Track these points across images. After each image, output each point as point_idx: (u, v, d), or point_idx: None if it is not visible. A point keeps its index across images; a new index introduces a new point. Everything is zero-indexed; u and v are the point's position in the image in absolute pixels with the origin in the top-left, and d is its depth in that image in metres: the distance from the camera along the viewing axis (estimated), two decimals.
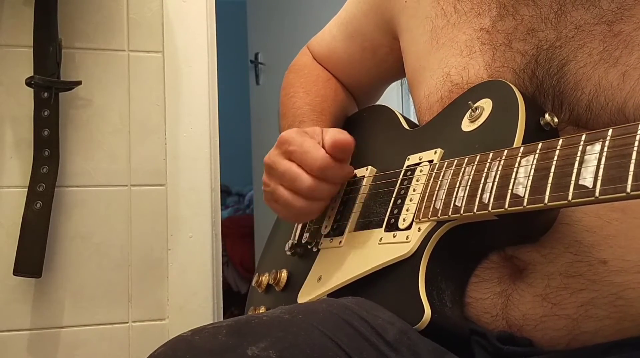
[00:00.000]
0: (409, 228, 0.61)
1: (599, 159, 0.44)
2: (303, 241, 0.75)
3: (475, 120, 0.61)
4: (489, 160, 0.55)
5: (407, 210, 0.62)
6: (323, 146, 0.67)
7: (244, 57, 2.95)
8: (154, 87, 1.27)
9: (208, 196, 1.29)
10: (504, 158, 0.53)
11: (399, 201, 0.64)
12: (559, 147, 0.48)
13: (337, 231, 0.70)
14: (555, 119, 0.57)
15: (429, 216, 0.59)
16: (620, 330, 0.54)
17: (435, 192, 0.59)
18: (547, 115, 0.57)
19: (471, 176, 0.56)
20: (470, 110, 0.62)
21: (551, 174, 0.47)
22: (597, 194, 0.43)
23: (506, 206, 0.50)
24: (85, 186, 1.22)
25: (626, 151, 0.42)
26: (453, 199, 0.56)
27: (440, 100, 0.68)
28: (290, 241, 0.78)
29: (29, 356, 1.17)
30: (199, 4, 1.30)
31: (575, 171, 0.46)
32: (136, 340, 1.23)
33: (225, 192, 3.56)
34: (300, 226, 0.78)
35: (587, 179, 0.44)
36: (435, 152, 0.64)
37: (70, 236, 1.20)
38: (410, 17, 0.75)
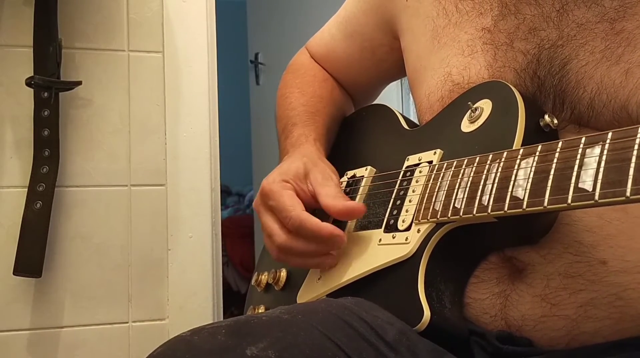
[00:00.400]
0: (408, 229, 0.61)
1: (599, 163, 0.44)
2: None
3: (474, 121, 0.61)
4: (488, 162, 0.55)
5: (407, 211, 0.62)
6: (310, 192, 0.68)
7: (244, 57, 2.95)
8: (154, 87, 1.26)
9: (208, 196, 1.29)
10: (503, 159, 0.53)
11: (398, 202, 0.64)
12: (558, 149, 0.48)
13: None
14: (555, 121, 0.57)
15: (428, 218, 0.59)
16: (620, 331, 0.54)
17: (435, 193, 0.59)
18: (546, 116, 0.57)
19: (470, 178, 0.55)
20: (470, 111, 0.62)
21: (551, 177, 0.47)
22: (596, 197, 0.43)
23: (505, 209, 0.50)
24: (85, 186, 1.22)
25: (626, 155, 0.42)
26: (452, 200, 0.56)
27: (441, 99, 0.68)
28: None
29: (28, 356, 1.17)
30: (199, 4, 1.30)
31: (575, 174, 0.45)
32: (136, 340, 1.23)
33: (225, 192, 3.56)
34: None
35: (586, 183, 0.44)
36: (435, 153, 0.64)
37: (70, 236, 1.20)
38: (411, 16, 0.75)
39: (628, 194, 0.41)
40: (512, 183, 0.51)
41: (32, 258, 1.13)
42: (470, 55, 0.66)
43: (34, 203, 1.14)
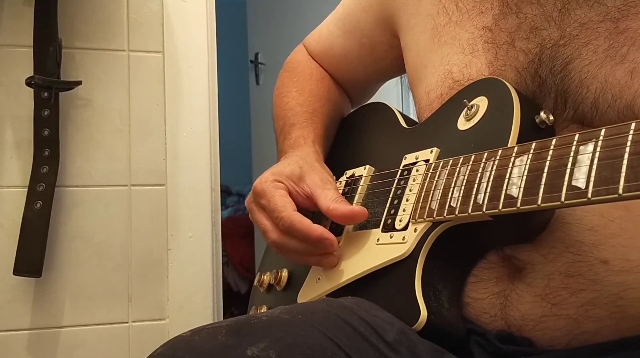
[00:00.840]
0: (405, 228, 0.61)
1: (592, 160, 0.44)
2: None
3: (471, 119, 0.61)
4: (483, 160, 0.55)
5: (404, 210, 0.62)
6: (305, 194, 0.68)
7: (244, 57, 2.95)
8: (154, 87, 1.27)
9: (208, 196, 1.29)
10: (498, 158, 0.53)
11: (396, 201, 0.64)
12: (552, 147, 0.48)
13: (336, 231, 0.70)
14: (551, 117, 0.57)
15: (425, 217, 0.58)
16: (621, 330, 0.54)
17: (431, 192, 0.59)
18: (542, 113, 0.57)
19: (466, 176, 0.55)
20: (466, 108, 0.62)
21: (544, 175, 0.47)
22: (589, 195, 0.43)
23: (500, 207, 0.50)
24: (85, 186, 1.22)
25: (618, 152, 0.42)
26: (448, 199, 0.56)
27: (441, 96, 0.67)
28: None
29: (28, 356, 1.17)
30: (199, 4, 1.30)
31: (568, 171, 0.45)
32: (136, 340, 1.23)
33: (225, 192, 3.56)
34: None
35: (579, 180, 0.44)
36: (432, 151, 0.64)
37: (70, 236, 1.20)
38: (411, 14, 0.75)
39: (620, 191, 0.41)
40: (506, 181, 0.51)
41: (32, 258, 1.13)
42: (471, 53, 0.65)
43: (34, 203, 1.14)
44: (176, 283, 1.26)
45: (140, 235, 1.24)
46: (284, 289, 0.77)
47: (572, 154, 0.46)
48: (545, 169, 0.47)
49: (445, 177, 0.58)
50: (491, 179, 0.52)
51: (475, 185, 0.54)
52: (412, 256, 0.58)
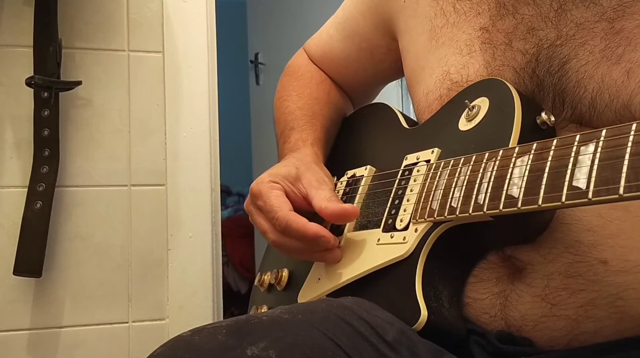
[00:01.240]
0: (406, 228, 0.61)
1: (593, 161, 0.44)
2: None
3: (472, 119, 0.61)
4: (484, 160, 0.55)
5: (405, 210, 0.62)
6: (301, 193, 0.69)
7: (244, 57, 2.95)
8: (154, 87, 1.27)
9: (208, 196, 1.29)
10: (499, 158, 0.53)
11: (397, 201, 0.64)
12: (553, 147, 0.48)
13: (337, 231, 0.70)
14: (552, 118, 0.57)
15: (426, 217, 0.59)
16: (620, 330, 0.54)
17: (432, 192, 0.59)
18: (543, 114, 0.57)
19: (467, 177, 0.56)
20: (467, 109, 0.62)
21: (545, 175, 0.47)
22: (590, 196, 0.43)
23: (501, 207, 0.50)
24: (85, 186, 1.22)
25: (619, 152, 0.42)
26: (449, 199, 0.56)
27: (440, 98, 0.68)
28: None
29: (28, 356, 1.17)
30: (199, 4, 1.30)
31: (569, 172, 0.45)
32: (136, 340, 1.23)
33: (225, 192, 3.56)
34: None
35: (580, 181, 0.44)
36: (433, 151, 0.64)
37: (70, 236, 1.21)
38: (409, 17, 0.75)
39: (621, 192, 0.41)
40: (507, 181, 0.51)
41: (32, 258, 1.13)
42: (468, 54, 0.66)
43: (34, 203, 1.14)
44: (176, 283, 1.26)
45: (140, 235, 1.24)
46: (284, 289, 0.77)
47: (573, 154, 0.46)
48: (546, 170, 0.48)
49: (446, 177, 0.58)
50: (492, 179, 0.52)
51: (476, 185, 0.54)
52: (413, 257, 0.58)
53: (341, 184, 0.76)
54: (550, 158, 0.48)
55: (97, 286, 1.21)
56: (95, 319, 1.21)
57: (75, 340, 1.20)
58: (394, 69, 0.84)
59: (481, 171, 0.54)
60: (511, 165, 0.51)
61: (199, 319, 1.26)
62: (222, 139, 1.34)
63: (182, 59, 1.28)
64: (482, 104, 0.61)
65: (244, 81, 3.09)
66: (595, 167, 0.44)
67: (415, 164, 0.65)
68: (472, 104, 0.62)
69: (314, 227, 0.64)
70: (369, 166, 0.74)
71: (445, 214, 0.56)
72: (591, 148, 0.45)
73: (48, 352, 1.18)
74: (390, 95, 1.92)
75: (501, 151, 0.54)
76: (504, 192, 0.50)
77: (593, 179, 0.43)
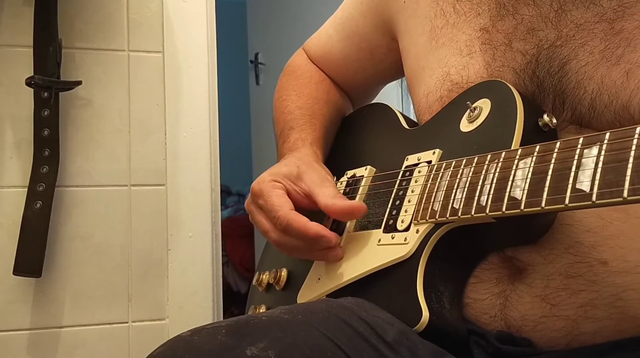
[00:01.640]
0: (407, 229, 0.61)
1: (596, 163, 0.44)
2: None
3: (473, 121, 0.61)
4: (486, 162, 0.55)
5: (406, 211, 0.62)
6: (303, 192, 0.68)
7: (244, 57, 2.95)
8: (154, 87, 1.27)
9: (208, 196, 1.29)
10: (501, 160, 0.53)
11: (398, 202, 0.64)
12: (556, 150, 0.48)
13: (337, 231, 0.70)
14: (554, 120, 0.57)
15: (427, 218, 0.58)
16: (620, 331, 0.54)
17: (434, 193, 0.59)
18: (545, 116, 0.57)
19: (469, 178, 0.55)
20: (468, 110, 0.62)
21: (548, 178, 0.47)
22: (594, 198, 0.43)
23: (503, 209, 0.50)
24: (85, 186, 1.22)
25: (623, 156, 0.42)
26: (451, 201, 0.56)
27: (440, 99, 0.68)
28: None
29: (28, 356, 1.17)
30: (199, 4, 1.30)
31: (572, 174, 0.45)
32: (136, 340, 1.23)
33: (225, 192, 3.56)
34: None
35: (584, 183, 0.44)
36: (434, 153, 0.64)
37: (70, 236, 1.21)
38: (409, 17, 0.75)
39: (625, 195, 0.41)
40: (510, 183, 0.51)
41: (32, 258, 1.13)
42: (468, 55, 0.66)
43: (34, 203, 1.14)
44: (176, 283, 1.26)
45: (140, 235, 1.24)
46: (283, 289, 0.77)
47: (576, 157, 0.46)
48: (550, 172, 0.48)
49: (448, 178, 0.58)
50: (494, 181, 0.52)
51: (479, 187, 0.54)
52: (414, 257, 0.58)
53: (341, 184, 0.76)
54: (553, 160, 0.48)
55: (97, 286, 1.21)
56: (95, 319, 1.21)
57: (75, 340, 1.20)
58: (394, 69, 0.84)
59: (483, 172, 0.54)
60: (514, 167, 0.51)
61: (199, 319, 1.26)
62: (222, 139, 1.34)
63: (182, 59, 1.28)
64: (484, 105, 0.61)
65: (244, 81, 3.09)
66: (599, 170, 0.44)
67: (417, 165, 0.65)
68: (473, 105, 0.62)
69: (315, 226, 0.64)
70: (369, 167, 0.74)
71: (447, 216, 0.56)
72: (595, 150, 0.45)
73: (48, 352, 1.18)
74: (390, 95, 1.92)
75: (503, 153, 0.54)
76: (507, 194, 0.50)
77: (597, 182, 0.43)
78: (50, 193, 1.15)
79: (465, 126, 0.62)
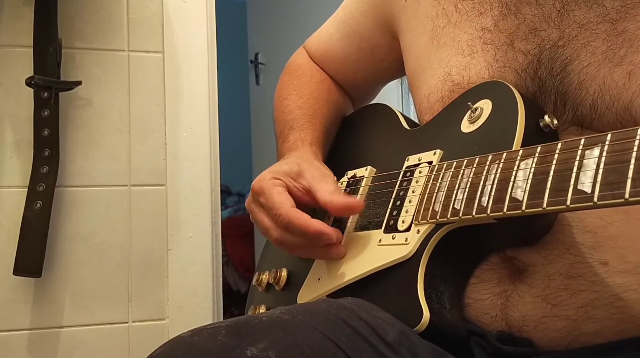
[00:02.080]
0: (407, 229, 0.61)
1: (598, 164, 0.44)
2: None
3: (474, 121, 0.61)
4: (488, 163, 0.55)
5: (406, 212, 0.62)
6: (304, 189, 0.68)
7: (244, 57, 2.95)
8: (154, 87, 1.27)
9: (208, 196, 1.29)
10: (502, 160, 0.53)
11: (398, 203, 0.64)
12: (558, 151, 0.48)
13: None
14: (555, 121, 0.57)
15: (428, 218, 0.58)
16: (621, 331, 0.54)
17: (434, 194, 0.59)
18: (546, 117, 0.57)
19: (470, 179, 0.55)
20: (469, 111, 0.62)
21: (550, 178, 0.47)
22: (595, 199, 0.43)
23: (505, 210, 0.50)
24: (85, 186, 1.22)
25: (625, 157, 0.42)
26: (452, 201, 0.56)
27: (441, 99, 0.68)
28: None
29: (28, 356, 1.17)
30: (199, 4, 1.30)
31: (574, 175, 0.45)
32: (136, 340, 1.23)
33: (225, 192, 3.55)
34: None
35: (585, 184, 0.44)
36: (435, 153, 0.64)
37: (70, 236, 1.20)
38: (410, 16, 0.75)
39: (627, 196, 0.41)
40: (511, 184, 0.51)
41: (32, 258, 1.13)
42: (470, 55, 0.65)
43: (34, 203, 1.14)
44: (176, 283, 1.26)
45: (140, 235, 1.24)
46: (283, 289, 0.77)
47: (578, 158, 0.46)
48: (551, 173, 0.48)
49: (449, 179, 0.58)
50: (496, 182, 0.52)
51: (480, 187, 0.54)
52: (415, 258, 0.58)
53: (341, 184, 0.76)
54: (555, 161, 0.48)
55: (97, 286, 1.21)
56: (95, 319, 1.21)
57: (75, 340, 1.20)
58: (395, 69, 0.84)
59: (484, 173, 0.54)
60: (515, 168, 0.51)
61: (199, 319, 1.26)
62: (222, 139, 1.34)
63: (182, 59, 1.28)
64: (485, 106, 0.61)
65: (244, 81, 3.09)
66: (600, 171, 0.44)
67: (417, 165, 0.65)
68: (474, 106, 0.62)
69: (315, 224, 0.64)
70: (369, 167, 0.74)
71: (448, 216, 0.56)
72: (596, 151, 0.45)
73: (48, 352, 1.18)
74: (390, 95, 1.92)
75: (505, 154, 0.54)
76: (508, 194, 0.50)
77: (598, 183, 0.43)
78: (50, 193, 1.15)
79: (466, 126, 0.62)
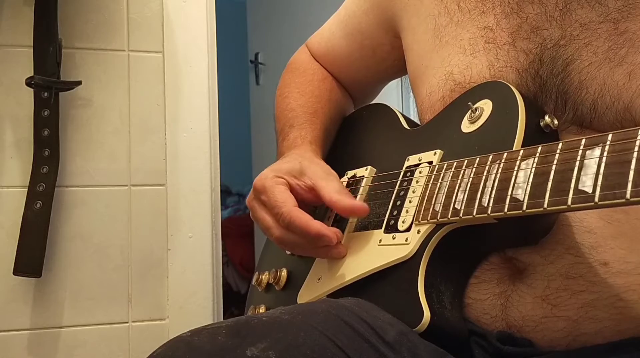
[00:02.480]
0: (408, 229, 0.61)
1: (599, 165, 0.44)
2: None
3: (475, 121, 0.61)
4: (488, 163, 0.55)
5: (407, 212, 0.62)
6: (306, 186, 0.68)
7: (244, 57, 2.95)
8: (154, 87, 1.26)
9: (208, 196, 1.29)
10: (503, 161, 0.53)
11: (399, 203, 0.64)
12: (558, 151, 0.48)
13: (338, 228, 0.70)
14: (556, 121, 0.57)
15: (429, 218, 0.58)
16: (621, 332, 0.54)
17: (435, 194, 0.59)
18: (547, 117, 0.57)
19: (471, 179, 0.55)
20: (470, 111, 0.62)
21: (551, 179, 0.47)
22: (596, 199, 0.43)
23: (505, 210, 0.50)
24: (85, 186, 1.22)
25: (626, 157, 0.42)
26: (452, 201, 0.56)
27: (442, 99, 0.67)
28: None
29: (28, 356, 1.17)
30: (199, 4, 1.30)
31: (574, 175, 0.45)
32: (136, 340, 1.23)
33: (225, 192, 3.55)
34: None
35: (586, 184, 0.44)
36: (435, 153, 0.64)
37: (70, 236, 1.20)
38: (413, 15, 0.75)
39: (628, 196, 0.41)
40: (512, 184, 0.51)
41: (32, 258, 1.13)
42: (472, 54, 0.65)
43: (34, 203, 1.14)
44: (176, 283, 1.26)
45: (140, 235, 1.24)
46: (283, 289, 0.77)
47: (578, 158, 0.46)
48: (552, 173, 0.48)
49: (449, 179, 0.58)
50: (496, 182, 0.52)
51: (480, 187, 0.54)
52: (415, 258, 0.58)
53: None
54: (555, 162, 0.48)
55: (97, 286, 1.21)
56: (95, 319, 1.21)
57: (75, 340, 1.20)
58: (397, 67, 0.84)
59: (485, 173, 0.54)
60: (516, 168, 0.51)
61: (199, 319, 1.26)
62: (222, 139, 1.34)
63: (182, 59, 1.28)
64: (485, 106, 0.61)
65: (244, 81, 3.09)
66: (601, 171, 0.44)
67: (418, 165, 0.65)
68: (475, 106, 0.62)
69: (316, 225, 0.64)
70: (369, 167, 0.74)
71: (449, 216, 0.56)
72: (597, 151, 0.45)
73: (48, 352, 1.18)
74: (390, 95, 1.92)
75: (505, 154, 0.54)
76: (509, 194, 0.50)
77: (599, 183, 0.43)
78: (50, 193, 1.15)
79: (466, 126, 0.62)
